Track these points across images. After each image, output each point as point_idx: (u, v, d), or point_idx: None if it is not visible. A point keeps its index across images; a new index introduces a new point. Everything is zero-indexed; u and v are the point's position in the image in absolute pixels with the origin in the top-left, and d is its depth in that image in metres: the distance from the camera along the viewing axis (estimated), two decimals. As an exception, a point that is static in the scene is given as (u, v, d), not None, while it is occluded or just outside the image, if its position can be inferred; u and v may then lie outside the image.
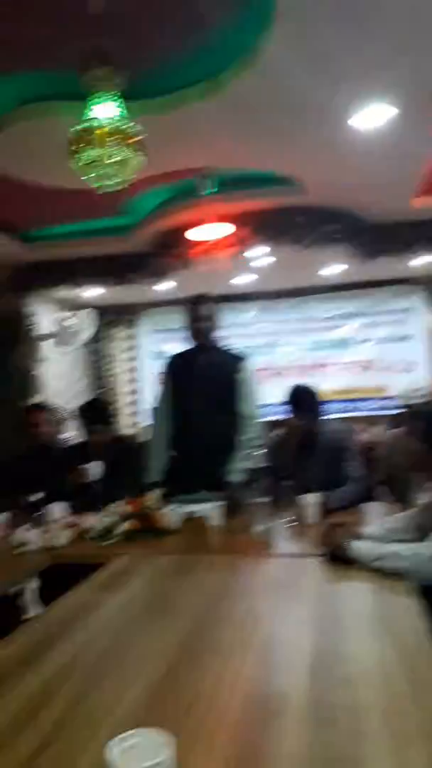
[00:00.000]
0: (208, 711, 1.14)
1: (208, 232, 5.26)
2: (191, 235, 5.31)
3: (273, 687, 1.23)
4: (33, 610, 3.40)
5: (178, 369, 3.27)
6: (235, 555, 2.21)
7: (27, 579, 2.41)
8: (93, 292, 6.76)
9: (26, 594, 3.44)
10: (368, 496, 2.79)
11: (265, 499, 2.45)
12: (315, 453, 2.93)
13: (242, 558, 2.18)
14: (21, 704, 1.21)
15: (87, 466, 3.18)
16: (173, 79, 3.37)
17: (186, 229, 5.36)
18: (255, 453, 2.60)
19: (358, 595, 1.72)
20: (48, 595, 2.77)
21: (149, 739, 0.90)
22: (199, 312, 3.17)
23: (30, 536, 2.47)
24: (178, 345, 3.44)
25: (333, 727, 1.07)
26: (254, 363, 3.20)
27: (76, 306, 7.24)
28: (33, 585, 3.19)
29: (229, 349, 3.32)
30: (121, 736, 0.90)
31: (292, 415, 2.98)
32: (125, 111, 3.04)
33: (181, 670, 1.32)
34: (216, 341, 3.25)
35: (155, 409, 3.34)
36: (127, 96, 3.20)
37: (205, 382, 3.14)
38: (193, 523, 2.71)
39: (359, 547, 1.91)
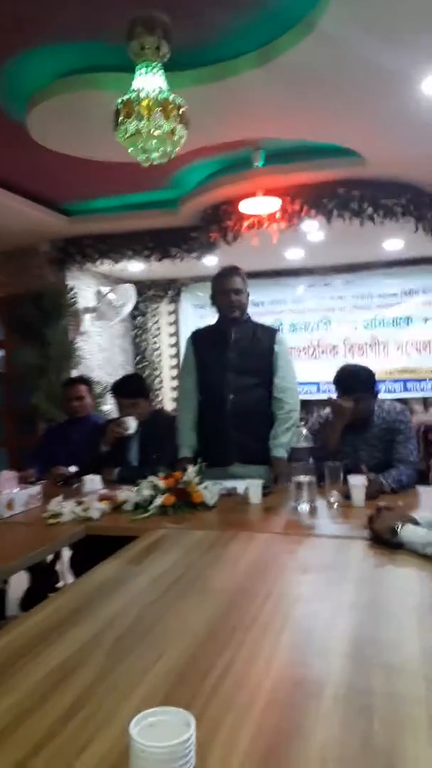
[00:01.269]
0: (237, 692, 1.08)
1: (258, 205, 5.11)
2: (241, 208, 5.18)
3: (307, 670, 1.17)
4: (67, 579, 3.43)
5: (203, 343, 3.22)
6: (273, 533, 2.14)
7: (61, 549, 2.40)
8: (136, 267, 6.72)
9: (60, 563, 3.48)
10: (423, 480, 2.67)
11: (310, 478, 2.38)
12: (366, 433, 2.85)
13: (281, 537, 2.11)
14: (45, 675, 1.18)
15: (126, 418, 3.17)
16: (223, 48, 3.25)
17: (235, 203, 5.23)
18: (297, 429, 2.51)
19: (404, 581, 1.63)
20: (81, 565, 2.77)
21: (172, 718, 0.88)
22: (229, 285, 3.10)
23: (65, 507, 2.45)
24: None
25: (370, 715, 1.00)
26: (306, 339, 3.09)
27: (119, 280, 7.22)
28: (67, 555, 3.22)
29: (261, 323, 3.26)
30: (143, 712, 0.87)
31: (338, 395, 2.89)
32: (169, 82, 2.95)
33: (210, 648, 1.27)
34: (247, 315, 3.18)
35: (180, 385, 3.31)
36: (175, 65, 3.10)
37: (237, 355, 3.08)
38: (231, 499, 2.67)
39: (411, 532, 1.82)
